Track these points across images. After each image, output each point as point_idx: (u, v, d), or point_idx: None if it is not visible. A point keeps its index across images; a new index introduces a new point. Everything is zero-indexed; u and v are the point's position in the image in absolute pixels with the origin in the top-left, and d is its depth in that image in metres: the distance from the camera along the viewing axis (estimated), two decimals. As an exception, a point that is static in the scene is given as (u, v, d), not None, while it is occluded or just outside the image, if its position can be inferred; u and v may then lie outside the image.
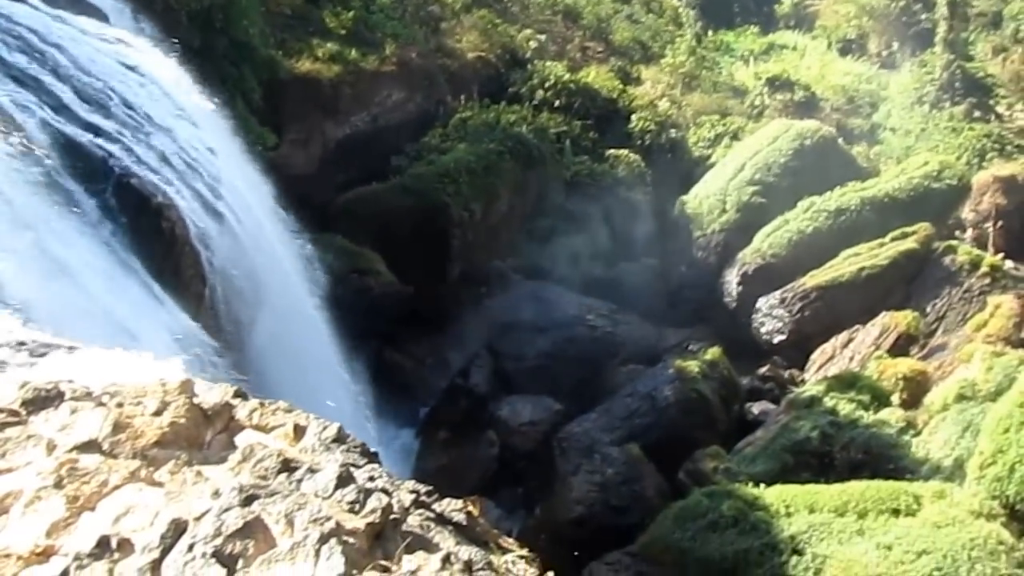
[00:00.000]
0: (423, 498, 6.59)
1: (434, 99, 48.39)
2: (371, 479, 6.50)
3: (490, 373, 37.55)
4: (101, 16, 27.11)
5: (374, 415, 33.08)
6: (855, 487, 23.97)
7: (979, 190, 48.00)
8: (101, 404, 7.25)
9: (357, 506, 6.14)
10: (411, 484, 6.67)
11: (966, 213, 48.32)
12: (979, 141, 53.03)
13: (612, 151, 50.69)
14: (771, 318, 40.36)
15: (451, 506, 6.65)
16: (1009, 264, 42.95)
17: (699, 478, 28.39)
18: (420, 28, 50.82)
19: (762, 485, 25.26)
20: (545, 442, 33.09)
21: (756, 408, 35.67)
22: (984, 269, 38.91)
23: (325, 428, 7.09)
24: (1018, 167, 49.56)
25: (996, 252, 44.18)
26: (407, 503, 6.44)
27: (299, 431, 7.10)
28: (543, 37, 58.73)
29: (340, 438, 6.98)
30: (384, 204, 39.96)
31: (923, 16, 67.83)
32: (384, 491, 6.32)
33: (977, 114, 57.66)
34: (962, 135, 54.03)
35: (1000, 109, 60.56)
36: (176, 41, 30.91)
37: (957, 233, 47.70)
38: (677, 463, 29.84)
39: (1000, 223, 47.34)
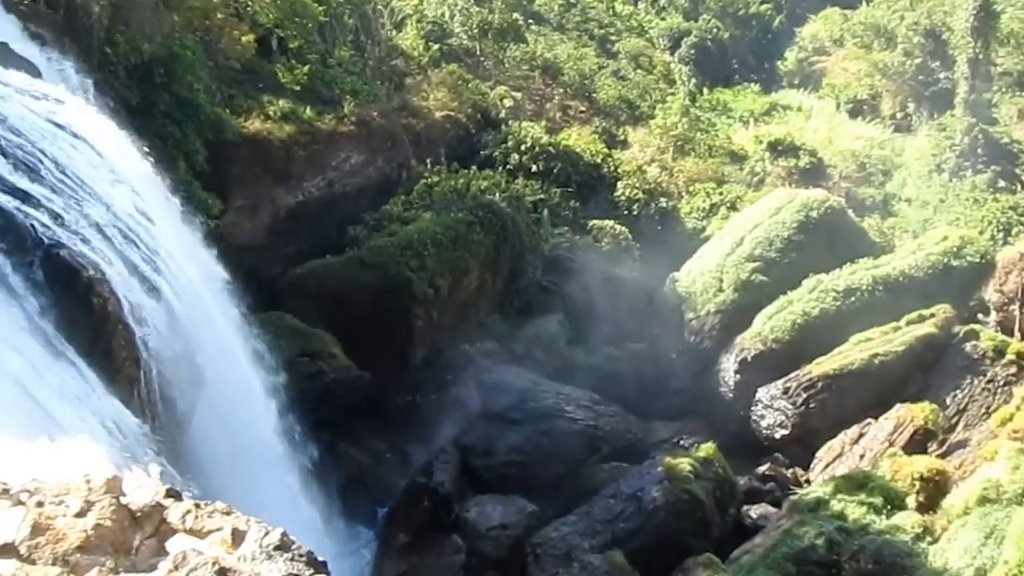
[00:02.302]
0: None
1: (397, 163, 48.93)
2: (317, 592, 6.60)
3: (456, 470, 37.51)
4: (32, 70, 27.43)
5: (326, 516, 33.00)
6: (865, 601, 24.03)
7: (1004, 268, 48.30)
8: (19, 503, 7.33)
9: (300, 623, 6.24)
10: (361, 596, 6.80)
11: (990, 294, 48.61)
12: (1004, 214, 53.57)
13: (595, 222, 51.17)
14: (772, 410, 40.49)
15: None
16: (1038, 352, 43.25)
17: (690, 590, 28.42)
18: (382, 84, 51.51)
19: (760, 598, 25.31)
20: (517, 548, 33.06)
21: (755, 511, 35.74)
22: (1010, 357, 39.20)
23: (267, 534, 7.19)
24: (1047, 243, 50.03)
25: (1023, 338, 44.49)
26: (356, 617, 6.56)
27: (238, 536, 7.19)
28: (519, 95, 59.52)
29: (284, 545, 7.07)
30: (339, 279, 40.24)
31: (942, 75, 68.75)
32: (330, 605, 6.44)
33: (1002, 184, 58.23)
34: (985, 207, 54.58)
35: (1027, 178, 61.28)
36: (113, 98, 31.35)
37: (980, 316, 47.98)
38: (666, 573, 29.85)
39: (1028, 305, 47.69)
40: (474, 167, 51.06)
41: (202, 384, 24.49)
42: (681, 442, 40.82)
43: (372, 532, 36.15)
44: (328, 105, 46.04)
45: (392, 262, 40.56)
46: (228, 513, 7.53)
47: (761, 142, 60.91)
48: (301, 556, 7.21)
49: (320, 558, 7.45)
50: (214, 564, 6.66)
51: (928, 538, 28.98)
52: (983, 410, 38.06)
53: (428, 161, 50.48)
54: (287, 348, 35.43)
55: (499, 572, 33.41)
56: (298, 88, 45.46)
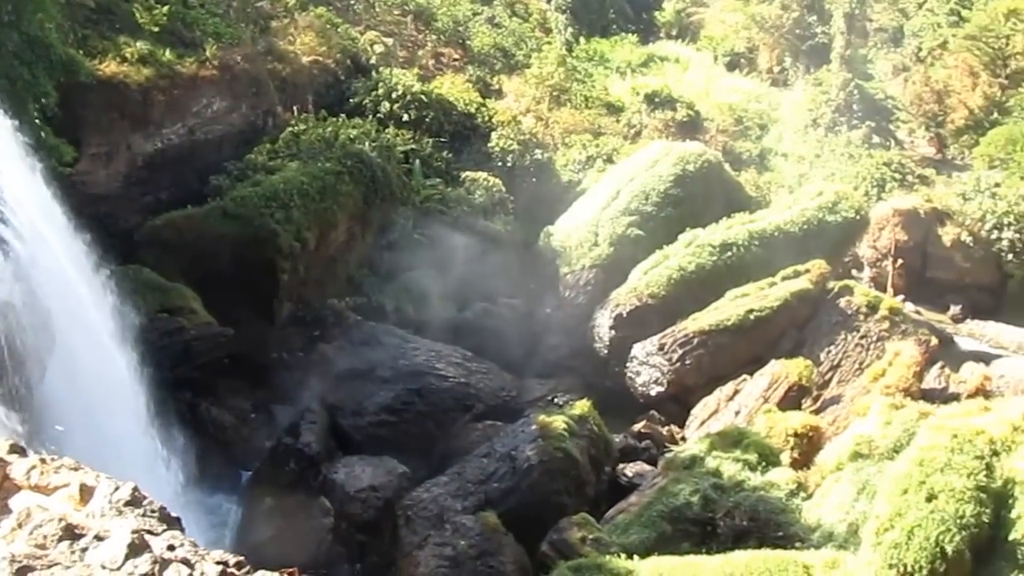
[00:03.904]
0: (232, 570, 6.53)
1: (262, 109, 48.06)
2: (170, 548, 6.42)
3: (323, 430, 37.11)
4: None
5: (186, 479, 32.52)
6: (740, 558, 24.34)
7: (878, 224, 49.68)
8: None
9: (152, 580, 6.06)
10: (218, 554, 6.60)
11: (864, 249, 49.93)
12: (878, 169, 54.92)
13: (469, 173, 51.06)
14: (648, 367, 40.88)
15: (266, 580, 6.61)
16: (909, 307, 44.51)
17: (565, 550, 28.46)
18: (247, 27, 50.40)
19: (636, 557, 25.48)
20: (387, 510, 32.84)
21: (630, 470, 36.02)
22: (883, 312, 40.19)
23: (117, 489, 6.98)
24: (919, 199, 51.36)
25: (895, 293, 45.83)
26: (213, 576, 6.38)
27: (87, 492, 6.97)
28: (390, 41, 58.99)
29: (135, 501, 6.88)
30: (200, 231, 39.48)
31: (818, 29, 70.16)
32: (185, 562, 6.26)
33: (876, 139, 59.83)
34: (860, 162, 55.92)
35: (901, 135, 63.00)
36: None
37: (854, 271, 49.31)
38: (540, 533, 29.89)
39: (900, 261, 49.06)
40: (343, 115, 50.32)
41: (53, 340, 23.92)
42: (556, 400, 40.94)
43: (236, 496, 35.68)
44: (189, 48, 44.82)
45: (256, 213, 39.87)
46: (76, 468, 7.30)
47: (638, 94, 61.33)
48: (153, 512, 7.01)
49: (174, 514, 7.24)
50: (60, 521, 6.42)
51: (802, 494, 29.66)
52: (856, 366, 39.00)
53: (295, 108, 49.65)
54: (145, 303, 34.72)
55: (369, 535, 33.16)
56: (157, 29, 44.12)
